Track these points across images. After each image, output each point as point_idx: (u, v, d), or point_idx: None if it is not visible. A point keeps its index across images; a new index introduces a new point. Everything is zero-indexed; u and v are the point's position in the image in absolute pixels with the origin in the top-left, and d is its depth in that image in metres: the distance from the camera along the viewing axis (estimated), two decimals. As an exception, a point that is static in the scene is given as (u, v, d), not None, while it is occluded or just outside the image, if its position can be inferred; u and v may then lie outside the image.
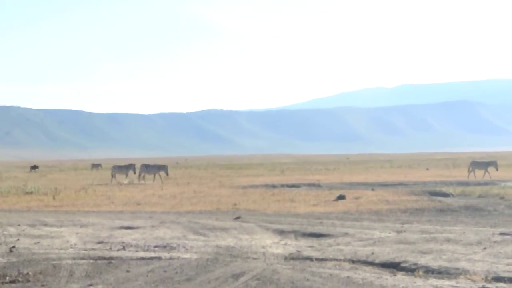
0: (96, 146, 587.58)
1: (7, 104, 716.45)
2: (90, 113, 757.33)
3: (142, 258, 16.21)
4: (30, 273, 14.45)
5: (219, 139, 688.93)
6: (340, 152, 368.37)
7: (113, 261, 15.85)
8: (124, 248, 17.83)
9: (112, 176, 57.41)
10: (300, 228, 21.59)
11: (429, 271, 14.25)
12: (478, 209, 28.98)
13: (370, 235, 19.77)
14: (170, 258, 16.14)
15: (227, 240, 19.18)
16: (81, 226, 22.83)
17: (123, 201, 35.22)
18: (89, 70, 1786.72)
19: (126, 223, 23.34)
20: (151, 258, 16.19)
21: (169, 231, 21.27)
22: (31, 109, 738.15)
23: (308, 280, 13.31)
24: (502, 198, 33.77)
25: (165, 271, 14.50)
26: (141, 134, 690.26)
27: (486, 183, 46.25)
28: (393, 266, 15.08)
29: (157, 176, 56.65)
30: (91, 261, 15.95)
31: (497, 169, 57.63)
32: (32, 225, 23.12)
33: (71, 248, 18.00)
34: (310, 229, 21.34)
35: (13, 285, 13.60)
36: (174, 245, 18.22)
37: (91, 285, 13.39)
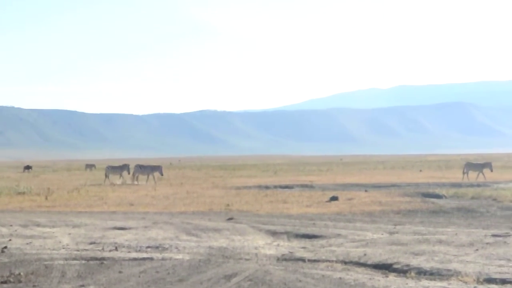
0: (90, 146, 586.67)
1: (1, 104, 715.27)
2: (84, 113, 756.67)
3: (135, 259, 16.19)
4: (21, 273, 14.41)
5: (213, 139, 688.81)
6: (334, 153, 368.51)
7: (105, 262, 15.83)
8: (116, 249, 17.80)
9: (105, 176, 57.33)
10: (292, 229, 21.59)
11: (421, 273, 14.27)
12: (470, 210, 29.05)
13: (362, 236, 19.79)
14: (163, 259, 16.12)
15: (219, 241, 19.17)
16: (74, 226, 22.79)
17: (116, 202, 35.18)
18: (83, 70, 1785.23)
19: (118, 224, 23.31)
20: (144, 259, 16.17)
21: (161, 231, 21.25)
22: (24, 109, 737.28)
23: (300, 281, 13.31)
24: (494, 199, 33.83)
25: (157, 272, 14.49)
26: (135, 135, 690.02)
27: (479, 185, 46.37)
28: (385, 268, 15.08)
29: (150, 176, 56.59)
30: (83, 261, 15.92)
31: (492, 170, 57.71)
32: (24, 226, 23.07)
33: (63, 248, 17.97)
34: (303, 230, 21.35)
35: (4, 285, 13.57)
36: (167, 246, 18.21)
37: (83, 285, 13.36)
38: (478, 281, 13.21)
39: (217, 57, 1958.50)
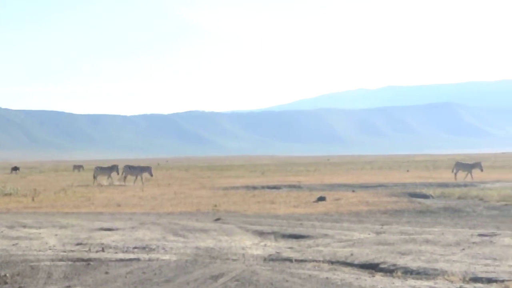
0: (77, 147, 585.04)
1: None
2: (71, 114, 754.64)
3: (121, 260, 16.14)
4: (7, 275, 14.34)
5: (201, 140, 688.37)
6: (322, 154, 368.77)
7: (91, 263, 15.77)
8: (103, 250, 17.75)
9: (94, 177, 57.17)
10: (280, 230, 21.59)
11: (407, 272, 14.30)
12: (457, 210, 29.16)
13: (349, 236, 19.81)
14: (149, 260, 16.08)
15: (206, 242, 19.15)
16: (60, 227, 22.71)
17: (103, 203, 35.09)
18: (71, 71, 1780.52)
19: (105, 225, 23.25)
20: (130, 260, 16.12)
21: (148, 232, 21.21)
22: (11, 110, 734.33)
23: (287, 281, 13.31)
24: (481, 199, 33.96)
25: (144, 273, 14.45)
26: (123, 135, 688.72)
27: (465, 185, 46.54)
28: (372, 267, 15.11)
29: (138, 177, 56.47)
30: (70, 262, 15.86)
31: (482, 170, 57.91)
32: (11, 227, 22.97)
33: (50, 249, 17.90)
34: (290, 231, 21.36)
35: (-10, 286, 13.51)
36: (154, 247, 18.17)
37: (69, 286, 13.31)
38: (464, 280, 13.25)
39: (205, 58, 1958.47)
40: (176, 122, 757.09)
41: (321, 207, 31.04)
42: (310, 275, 13.86)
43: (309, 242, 19.07)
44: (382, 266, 15.09)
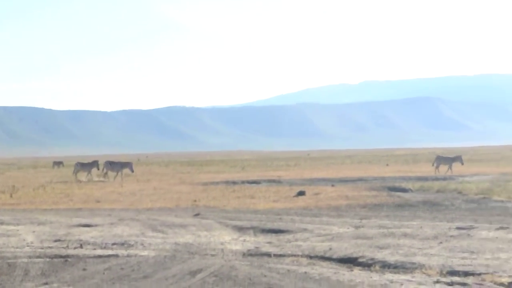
0: (57, 143, 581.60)
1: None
2: (51, 110, 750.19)
3: (99, 256, 16.08)
4: (-16, 272, 14.25)
5: (182, 136, 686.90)
6: (303, 149, 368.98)
7: (69, 259, 15.69)
8: (81, 246, 17.68)
9: (74, 173, 56.87)
10: (259, 224, 21.62)
11: (385, 266, 14.36)
12: (435, 204, 29.33)
13: (328, 231, 19.86)
14: (128, 256, 16.03)
15: (185, 237, 19.12)
16: (38, 224, 22.58)
17: (82, 199, 34.95)
18: (51, 67, 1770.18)
19: (84, 221, 23.16)
20: (108, 256, 16.06)
21: (127, 228, 21.15)
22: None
23: (265, 276, 13.31)
24: (459, 193, 34.17)
25: (122, 269, 14.39)
26: (103, 131, 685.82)
27: (444, 178, 46.83)
28: (350, 261, 15.16)
29: (118, 173, 56.22)
30: (47, 259, 15.77)
31: (462, 164, 58.27)
32: (-12, 224, 22.81)
33: (28, 246, 17.79)
34: (269, 225, 21.39)
35: (-34, 284, 13.41)
36: (132, 243, 18.12)
37: (46, 283, 13.24)
38: (441, 274, 13.32)
39: (186, 53, 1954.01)
40: (157, 118, 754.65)
41: (301, 201, 31.09)
42: (288, 270, 13.88)
43: (288, 236, 19.10)
44: (360, 260, 15.14)
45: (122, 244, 17.96)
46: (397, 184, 40.59)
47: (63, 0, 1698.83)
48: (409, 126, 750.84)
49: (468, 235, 18.12)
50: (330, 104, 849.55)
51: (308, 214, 25.20)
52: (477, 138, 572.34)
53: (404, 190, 37.04)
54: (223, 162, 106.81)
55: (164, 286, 12.79)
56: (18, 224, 22.55)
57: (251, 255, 16.20)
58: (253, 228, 20.91)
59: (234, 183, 47.00)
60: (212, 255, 16.00)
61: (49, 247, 17.62)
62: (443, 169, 55.82)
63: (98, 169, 57.78)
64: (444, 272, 13.41)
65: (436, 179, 46.49)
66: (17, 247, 17.60)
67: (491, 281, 12.67)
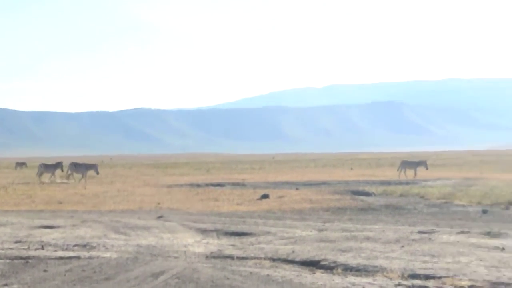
0: (21, 144, 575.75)
1: None
2: (14, 111, 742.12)
3: (61, 258, 15.95)
4: None
5: (147, 138, 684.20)
6: (268, 152, 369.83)
7: (30, 261, 15.55)
8: (42, 248, 17.52)
9: (38, 174, 56.28)
10: (222, 227, 21.61)
11: (347, 269, 14.45)
12: (398, 208, 29.58)
13: (291, 234, 19.92)
14: (90, 257, 15.92)
15: (148, 239, 19.05)
16: (-1, 225, 22.33)
17: (44, 200, 34.62)
18: (14, 68, 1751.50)
19: (46, 222, 22.94)
20: (70, 258, 15.94)
21: (89, 230, 21.00)
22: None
23: (228, 278, 13.31)
24: (422, 197, 34.52)
25: (83, 270, 14.29)
26: (68, 133, 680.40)
27: (407, 183, 47.20)
28: (312, 264, 15.22)
29: (83, 175, 55.73)
30: (8, 260, 15.60)
31: (427, 168, 58.82)
32: None
33: (-13, 248, 17.58)
34: (233, 228, 21.39)
35: None
36: (94, 244, 18.00)
37: (6, 285, 13.10)
38: (402, 277, 13.43)
39: (152, 55, 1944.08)
40: (122, 120, 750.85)
41: (265, 204, 31.15)
42: (251, 273, 13.90)
43: (251, 239, 19.12)
44: (323, 263, 15.21)
45: (84, 246, 17.84)
46: (360, 188, 40.82)
47: (21, 2, 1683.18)
48: (372, 130, 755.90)
49: (430, 239, 18.29)
50: (296, 107, 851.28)
51: (272, 217, 25.26)
52: (440, 142, 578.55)
53: (367, 194, 37.30)
54: (187, 165, 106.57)
55: (126, 288, 12.73)
56: (-22, 226, 22.26)
57: (214, 257, 16.19)
58: (216, 230, 20.90)
59: (199, 185, 46.91)
60: (175, 258, 15.96)
61: (9, 248, 17.44)
62: (410, 173, 56.31)
63: (63, 171, 57.22)
64: (405, 275, 13.52)
65: (399, 183, 46.85)
66: (-23, 249, 17.38)
67: (452, 285, 12.81)
